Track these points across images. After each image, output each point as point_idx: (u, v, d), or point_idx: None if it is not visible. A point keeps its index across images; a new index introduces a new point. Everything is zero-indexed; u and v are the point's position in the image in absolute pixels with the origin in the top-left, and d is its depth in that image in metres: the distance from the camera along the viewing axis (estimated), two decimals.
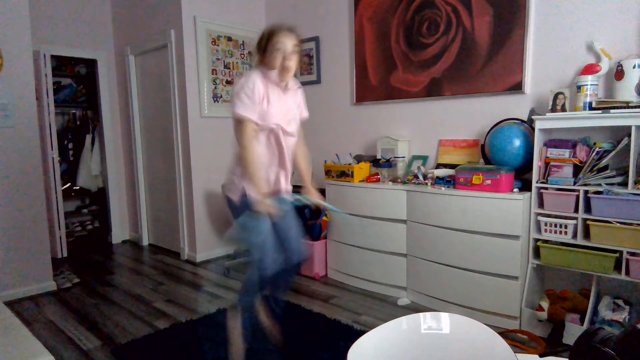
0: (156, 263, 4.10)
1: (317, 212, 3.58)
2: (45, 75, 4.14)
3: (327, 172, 3.43)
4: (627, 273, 2.19)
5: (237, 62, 4.24)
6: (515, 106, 2.83)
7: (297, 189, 2.07)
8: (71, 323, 2.79)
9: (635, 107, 2.15)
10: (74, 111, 4.98)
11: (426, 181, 2.95)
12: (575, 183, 2.33)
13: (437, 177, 2.90)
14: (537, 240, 2.50)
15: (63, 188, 4.59)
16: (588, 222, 2.27)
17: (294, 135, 1.92)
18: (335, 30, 3.86)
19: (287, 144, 1.89)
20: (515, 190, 2.57)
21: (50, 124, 4.18)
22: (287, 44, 1.76)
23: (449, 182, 2.82)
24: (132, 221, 4.95)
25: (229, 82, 4.19)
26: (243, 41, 4.28)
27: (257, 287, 1.91)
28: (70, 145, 4.92)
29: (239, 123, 1.77)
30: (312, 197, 1.91)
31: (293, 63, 1.79)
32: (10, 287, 3.20)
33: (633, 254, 2.15)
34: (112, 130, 4.82)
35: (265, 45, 1.79)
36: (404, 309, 2.93)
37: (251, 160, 1.75)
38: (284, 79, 1.84)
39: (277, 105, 1.82)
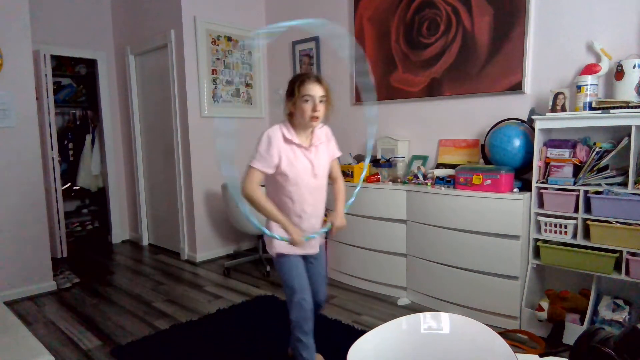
0: (156, 263, 4.10)
1: None
2: (45, 75, 4.14)
3: None
4: (627, 273, 2.19)
5: (237, 62, 4.24)
6: (515, 106, 2.83)
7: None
8: (71, 323, 2.79)
9: (635, 107, 2.15)
10: (74, 111, 4.98)
11: (426, 181, 2.95)
12: (575, 183, 2.33)
13: (437, 177, 2.90)
14: (537, 240, 2.50)
15: (63, 188, 4.59)
16: (588, 222, 2.27)
17: (320, 184, 1.96)
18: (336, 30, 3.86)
19: (312, 193, 1.93)
20: (515, 190, 2.57)
21: (50, 124, 4.18)
22: (316, 94, 1.82)
23: (449, 182, 2.82)
24: (132, 221, 4.95)
25: (229, 82, 4.19)
26: (243, 41, 4.28)
27: (303, 325, 1.89)
28: (70, 145, 4.92)
29: (249, 171, 1.84)
30: (336, 221, 1.94)
31: (321, 112, 1.85)
32: (10, 287, 3.20)
33: (633, 254, 2.15)
34: (112, 130, 4.81)
35: (295, 96, 1.84)
36: (404, 309, 2.93)
37: (257, 200, 1.82)
38: (313, 126, 1.89)
39: (297, 163, 1.87)
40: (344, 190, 2.05)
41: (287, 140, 1.86)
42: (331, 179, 2.05)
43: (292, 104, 1.85)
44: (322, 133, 2.00)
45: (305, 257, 1.99)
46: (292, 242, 1.80)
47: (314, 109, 1.81)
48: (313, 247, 2.00)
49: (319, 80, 1.85)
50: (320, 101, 1.83)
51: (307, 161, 1.89)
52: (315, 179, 1.91)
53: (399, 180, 3.16)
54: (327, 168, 1.99)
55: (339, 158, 2.11)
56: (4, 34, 3.10)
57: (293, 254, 1.91)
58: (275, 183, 1.91)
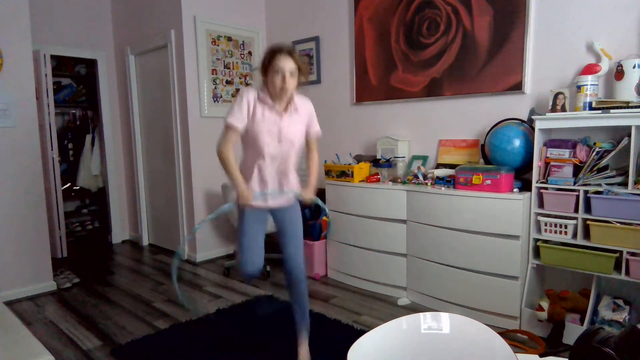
0: (156, 263, 4.10)
1: (317, 212, 3.58)
2: (45, 75, 4.14)
3: (327, 172, 3.43)
4: (627, 273, 2.19)
5: (237, 62, 4.24)
6: (515, 106, 2.83)
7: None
8: (71, 323, 2.79)
9: (635, 107, 2.15)
10: (74, 111, 4.98)
11: (426, 181, 2.95)
12: (575, 183, 2.33)
13: (437, 177, 2.90)
14: (537, 240, 2.50)
15: (63, 188, 4.59)
16: (588, 222, 2.27)
17: (285, 150, 2.02)
18: (335, 30, 3.86)
19: (273, 156, 2.00)
20: (515, 190, 2.57)
21: (50, 124, 4.18)
22: (286, 67, 1.88)
23: (449, 182, 2.82)
24: (132, 221, 4.95)
25: (228, 82, 4.19)
26: (243, 41, 4.28)
27: (244, 275, 2.11)
28: (70, 145, 4.92)
29: (224, 129, 1.96)
30: (305, 194, 2.05)
31: (291, 84, 1.92)
32: (10, 287, 3.19)
33: (633, 254, 2.15)
34: (112, 130, 4.81)
35: (266, 67, 1.93)
36: (404, 309, 2.93)
37: (225, 158, 1.93)
38: (283, 98, 1.96)
39: (264, 124, 1.95)
40: (316, 162, 2.16)
41: (260, 99, 1.94)
42: (307, 148, 2.16)
43: (264, 74, 1.94)
44: (303, 105, 2.06)
45: (272, 212, 2.10)
46: (239, 198, 1.90)
47: (283, 81, 1.88)
48: (276, 202, 2.08)
49: (290, 53, 1.91)
50: (291, 74, 1.90)
51: (274, 125, 1.96)
52: (280, 145, 1.98)
53: (399, 180, 3.16)
54: (298, 139, 2.05)
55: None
56: (4, 34, 3.10)
57: (252, 209, 2.01)
58: (244, 140, 2.03)
